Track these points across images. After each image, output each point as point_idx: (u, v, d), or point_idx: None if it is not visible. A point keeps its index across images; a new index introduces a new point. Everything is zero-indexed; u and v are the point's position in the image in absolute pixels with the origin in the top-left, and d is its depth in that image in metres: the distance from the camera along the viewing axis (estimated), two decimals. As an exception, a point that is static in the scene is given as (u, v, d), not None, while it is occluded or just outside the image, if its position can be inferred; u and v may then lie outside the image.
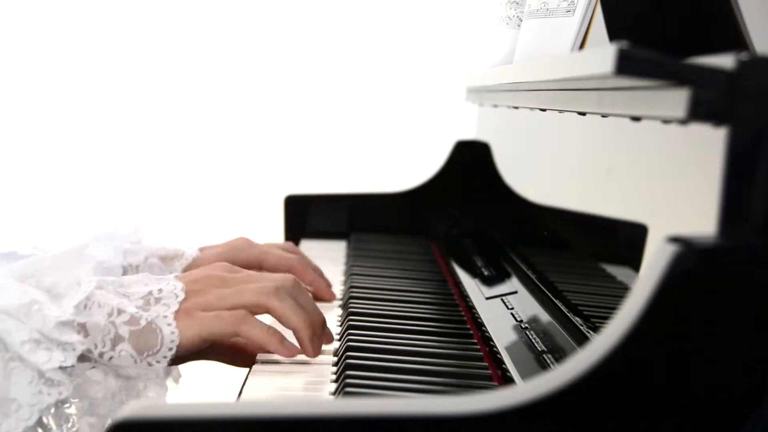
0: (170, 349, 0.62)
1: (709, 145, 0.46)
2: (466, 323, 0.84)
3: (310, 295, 0.71)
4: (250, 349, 0.71)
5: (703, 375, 0.45)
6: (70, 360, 0.59)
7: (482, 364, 0.72)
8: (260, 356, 0.71)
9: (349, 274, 1.03)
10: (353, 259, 1.12)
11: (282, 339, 0.66)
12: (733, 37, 0.65)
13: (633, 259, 0.59)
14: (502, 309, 0.85)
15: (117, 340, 0.61)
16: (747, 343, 0.45)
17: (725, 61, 0.43)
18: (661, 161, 0.56)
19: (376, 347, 0.74)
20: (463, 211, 1.26)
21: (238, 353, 0.73)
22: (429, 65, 1.82)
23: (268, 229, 1.43)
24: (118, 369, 0.63)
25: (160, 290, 0.64)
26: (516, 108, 1.00)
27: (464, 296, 0.94)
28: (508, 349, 0.74)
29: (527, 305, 0.84)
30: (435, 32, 1.82)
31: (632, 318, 0.43)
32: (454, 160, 1.29)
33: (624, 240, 0.65)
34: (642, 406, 0.45)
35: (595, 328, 0.67)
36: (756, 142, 0.44)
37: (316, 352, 0.68)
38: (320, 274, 0.94)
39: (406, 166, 1.69)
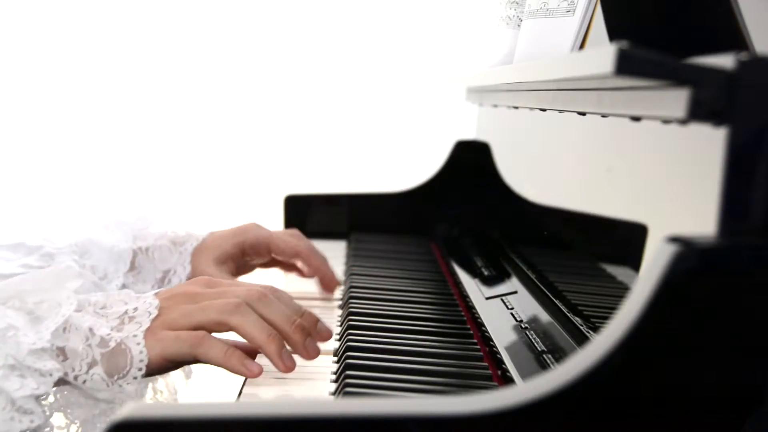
0: (140, 369, 0.61)
1: (709, 145, 0.46)
2: (466, 323, 0.84)
3: (290, 300, 0.69)
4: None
5: (702, 375, 0.45)
6: (45, 388, 0.58)
7: (482, 364, 0.72)
8: (258, 358, 0.70)
9: (349, 274, 1.03)
10: (353, 259, 1.12)
11: (241, 358, 0.63)
12: (733, 37, 0.65)
13: (633, 259, 0.59)
14: (502, 309, 0.85)
15: (92, 363, 0.61)
16: (747, 343, 0.45)
17: (725, 61, 0.43)
18: (661, 161, 0.56)
19: (376, 347, 0.74)
20: (463, 211, 1.26)
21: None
22: (429, 65, 1.82)
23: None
24: (92, 392, 0.62)
25: (135, 309, 0.64)
26: (516, 108, 1.00)
27: (464, 296, 0.94)
28: (508, 349, 0.74)
29: (527, 305, 0.84)
30: (435, 32, 1.82)
31: (632, 318, 0.43)
32: (454, 160, 1.29)
33: (624, 240, 0.65)
34: (642, 406, 0.45)
35: (595, 328, 0.66)
36: (756, 142, 0.44)
37: (287, 365, 0.64)
38: (325, 261, 0.93)
39: (406, 166, 1.69)
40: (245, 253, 0.91)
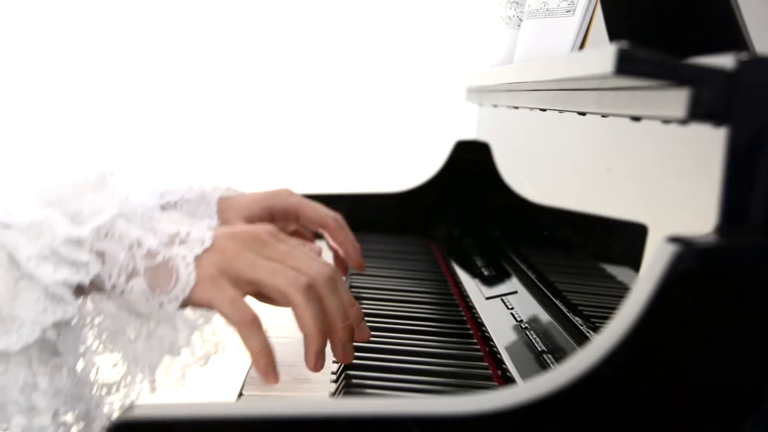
0: (184, 292, 0.58)
1: (709, 145, 0.46)
2: (466, 323, 0.84)
3: (347, 290, 0.65)
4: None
5: (702, 375, 0.45)
6: (79, 278, 0.55)
7: (482, 364, 0.72)
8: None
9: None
10: (353, 259, 1.12)
11: (270, 364, 0.59)
12: (733, 37, 0.65)
13: (633, 259, 0.59)
14: (502, 309, 0.85)
15: (132, 273, 0.57)
16: (747, 343, 0.45)
17: (725, 61, 0.43)
18: (661, 161, 0.56)
19: (376, 347, 0.74)
20: (463, 211, 1.26)
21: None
22: (429, 65, 1.82)
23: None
24: (129, 304, 0.59)
25: (188, 233, 0.60)
26: (516, 108, 1.00)
27: (464, 296, 0.94)
28: (508, 349, 0.74)
29: (527, 305, 0.84)
30: (435, 32, 1.82)
31: (632, 318, 0.43)
32: (454, 160, 1.29)
33: (624, 240, 0.65)
34: (642, 406, 0.45)
35: (595, 328, 0.67)
36: (756, 142, 0.44)
37: (317, 367, 0.61)
38: (351, 238, 0.90)
39: (406, 166, 1.69)
40: (273, 218, 0.87)
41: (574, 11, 0.73)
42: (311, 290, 0.60)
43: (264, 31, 1.86)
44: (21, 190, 0.59)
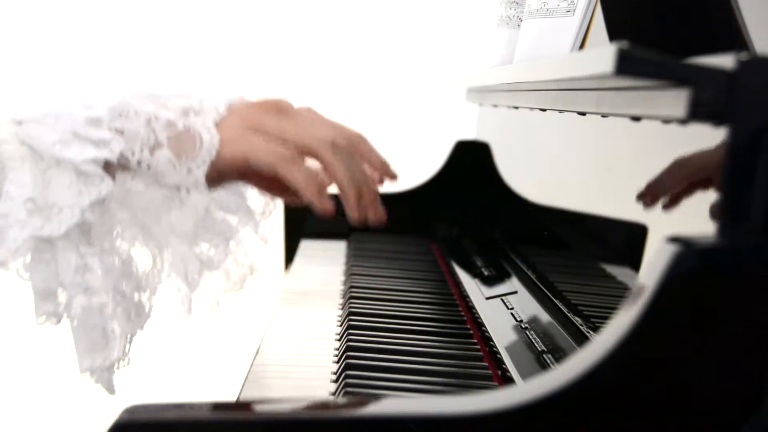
0: (210, 153, 0.57)
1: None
2: (466, 323, 0.84)
3: (366, 167, 0.64)
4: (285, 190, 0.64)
5: (702, 375, 0.45)
6: (106, 154, 0.55)
7: (482, 364, 0.72)
8: (258, 358, 0.70)
9: (349, 274, 1.03)
10: (353, 259, 1.12)
11: (322, 190, 0.58)
12: (733, 37, 0.65)
13: (633, 259, 0.59)
14: (502, 309, 0.85)
15: (155, 146, 0.57)
16: (747, 343, 0.45)
17: (725, 61, 0.43)
18: (661, 161, 0.56)
19: (376, 347, 0.74)
20: (463, 211, 1.27)
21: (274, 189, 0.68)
22: (429, 65, 1.82)
23: (268, 229, 1.43)
24: (157, 177, 0.58)
25: (201, 105, 0.60)
26: (516, 108, 1.00)
27: (464, 296, 0.94)
28: (508, 349, 0.74)
29: (527, 305, 0.84)
30: (435, 32, 1.82)
31: (632, 318, 0.43)
32: (454, 160, 1.29)
33: (624, 240, 0.65)
34: (642, 406, 0.45)
35: (595, 328, 0.67)
36: (756, 142, 0.44)
37: (361, 215, 0.60)
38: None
39: (406, 166, 1.69)
40: None
41: (574, 11, 0.73)
42: (337, 147, 0.60)
43: (265, 32, 1.86)
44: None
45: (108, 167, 0.56)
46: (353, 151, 0.62)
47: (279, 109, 0.62)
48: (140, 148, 0.57)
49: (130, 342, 0.59)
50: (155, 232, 0.61)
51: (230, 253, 0.66)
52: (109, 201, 0.58)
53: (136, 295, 0.61)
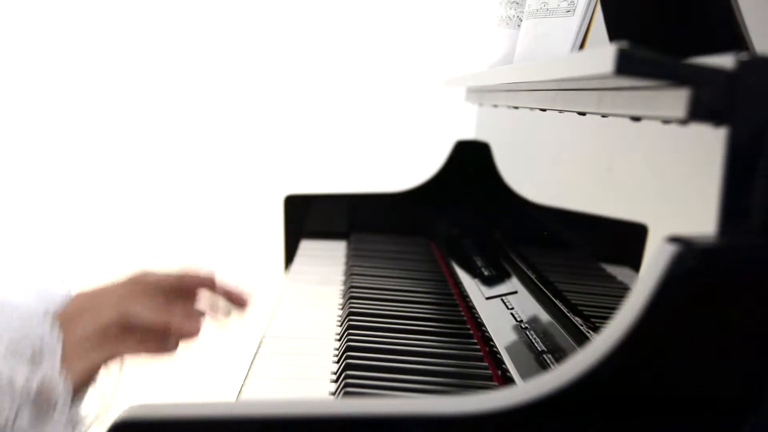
0: (65, 401, 0.58)
1: (709, 145, 0.46)
2: (466, 323, 0.84)
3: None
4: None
5: (703, 375, 0.45)
6: None
7: (482, 364, 0.72)
8: (258, 358, 0.70)
9: (349, 274, 1.03)
10: (353, 259, 1.12)
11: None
12: (733, 37, 0.65)
13: (633, 259, 0.59)
14: (502, 309, 0.85)
15: (19, 409, 0.58)
16: (747, 342, 0.45)
17: (725, 61, 0.43)
18: (661, 161, 0.56)
19: (376, 347, 0.74)
20: (463, 211, 1.27)
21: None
22: (429, 65, 1.82)
23: (268, 229, 1.43)
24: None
25: (41, 340, 0.60)
26: (516, 108, 1.00)
27: (464, 296, 0.94)
28: (508, 349, 0.74)
29: (527, 305, 0.84)
30: (435, 32, 1.82)
31: (632, 318, 0.43)
32: (454, 160, 1.29)
33: (624, 240, 0.65)
34: (642, 406, 0.45)
35: (595, 328, 0.67)
36: (756, 142, 0.44)
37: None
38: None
39: (406, 166, 1.69)
40: None
41: (574, 11, 0.73)
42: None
43: (265, 32, 1.86)
44: None
45: None
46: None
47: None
48: (5, 419, 0.58)
49: None
50: None
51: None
52: None
53: None
